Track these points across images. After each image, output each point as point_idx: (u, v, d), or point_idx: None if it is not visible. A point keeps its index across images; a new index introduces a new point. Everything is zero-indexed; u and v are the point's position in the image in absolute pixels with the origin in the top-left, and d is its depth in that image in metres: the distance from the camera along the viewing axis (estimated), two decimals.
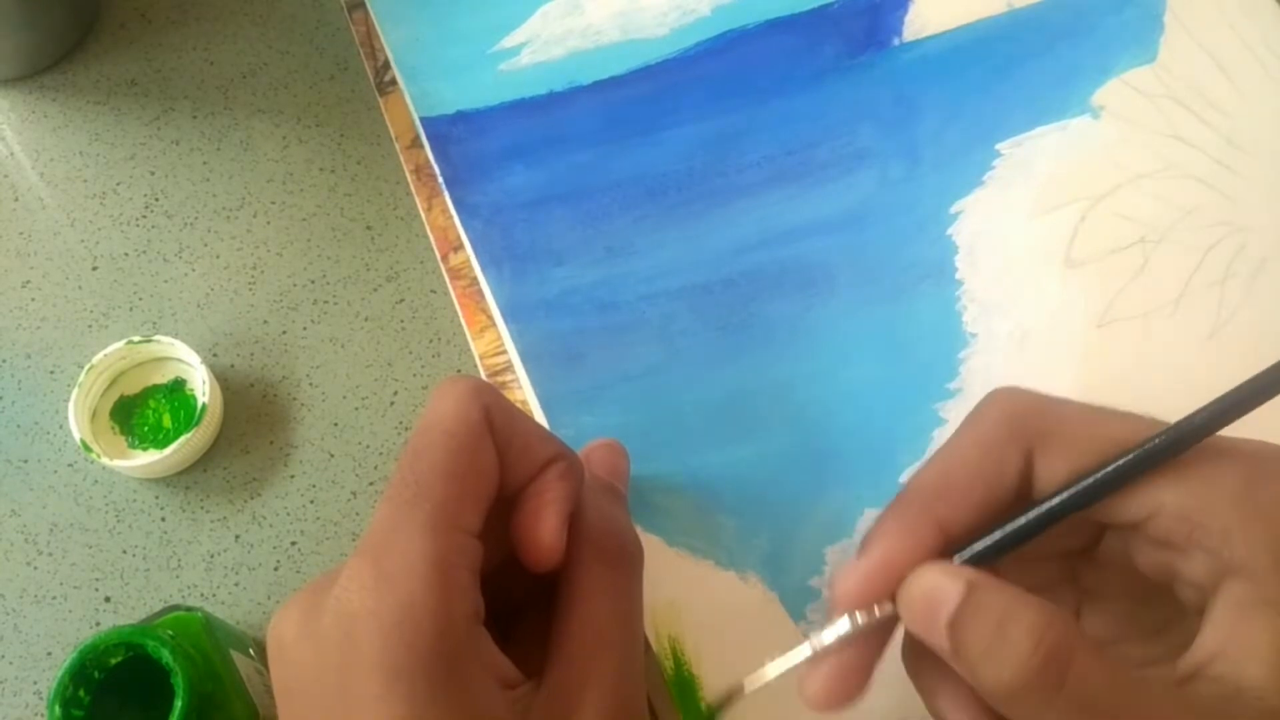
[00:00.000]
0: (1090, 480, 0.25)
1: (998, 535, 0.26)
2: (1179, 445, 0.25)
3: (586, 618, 0.26)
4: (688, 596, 0.35)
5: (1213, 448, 0.25)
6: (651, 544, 0.35)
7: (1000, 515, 0.26)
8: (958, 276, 0.39)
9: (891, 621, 0.26)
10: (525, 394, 0.38)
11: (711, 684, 0.34)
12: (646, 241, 0.40)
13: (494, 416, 0.26)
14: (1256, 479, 0.25)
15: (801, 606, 0.35)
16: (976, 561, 0.26)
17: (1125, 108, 0.42)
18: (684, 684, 0.34)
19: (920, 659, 0.29)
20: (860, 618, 0.26)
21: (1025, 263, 0.40)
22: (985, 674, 0.23)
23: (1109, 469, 0.25)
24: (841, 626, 0.26)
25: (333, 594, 0.24)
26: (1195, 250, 0.40)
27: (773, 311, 0.39)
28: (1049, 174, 0.41)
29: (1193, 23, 0.43)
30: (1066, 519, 0.26)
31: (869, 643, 0.27)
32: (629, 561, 0.28)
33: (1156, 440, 0.25)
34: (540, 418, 0.37)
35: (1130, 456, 0.25)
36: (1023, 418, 0.26)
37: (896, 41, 0.43)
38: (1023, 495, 0.26)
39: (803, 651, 0.27)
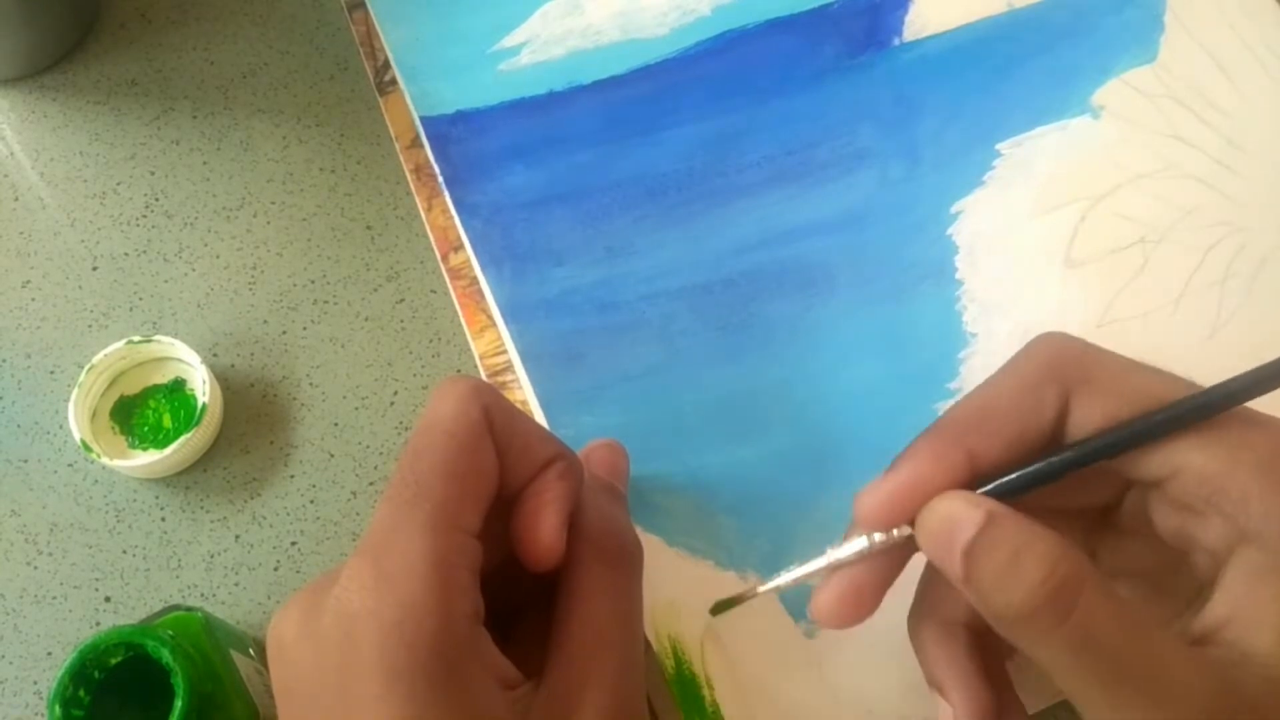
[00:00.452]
0: (1122, 430, 0.25)
1: (1024, 471, 0.26)
2: (1211, 408, 0.25)
3: (586, 618, 0.26)
4: (688, 596, 0.35)
5: (1244, 416, 0.25)
6: (651, 544, 0.35)
7: (1030, 457, 0.26)
8: (958, 276, 0.39)
9: (907, 546, 0.26)
10: (525, 394, 0.38)
11: (712, 684, 0.34)
12: (646, 241, 0.40)
13: (494, 416, 0.26)
14: None
15: (802, 606, 0.35)
16: (1000, 496, 0.26)
17: (1125, 108, 0.42)
18: (684, 683, 0.34)
19: (923, 624, 0.29)
20: (878, 538, 0.26)
21: (1025, 263, 0.40)
22: (995, 600, 0.24)
23: (1141, 421, 0.25)
24: (858, 544, 0.27)
25: (333, 594, 0.24)
26: (1195, 250, 0.40)
27: (773, 311, 0.39)
28: (1049, 174, 0.41)
29: (1193, 23, 0.43)
30: (1093, 465, 0.26)
31: (883, 566, 0.27)
32: (629, 561, 0.28)
33: (1190, 400, 0.25)
34: (540, 418, 0.37)
35: (1163, 412, 0.25)
36: (1065, 361, 0.27)
37: (896, 41, 0.43)
38: (1055, 439, 0.27)
39: (818, 563, 0.27)
